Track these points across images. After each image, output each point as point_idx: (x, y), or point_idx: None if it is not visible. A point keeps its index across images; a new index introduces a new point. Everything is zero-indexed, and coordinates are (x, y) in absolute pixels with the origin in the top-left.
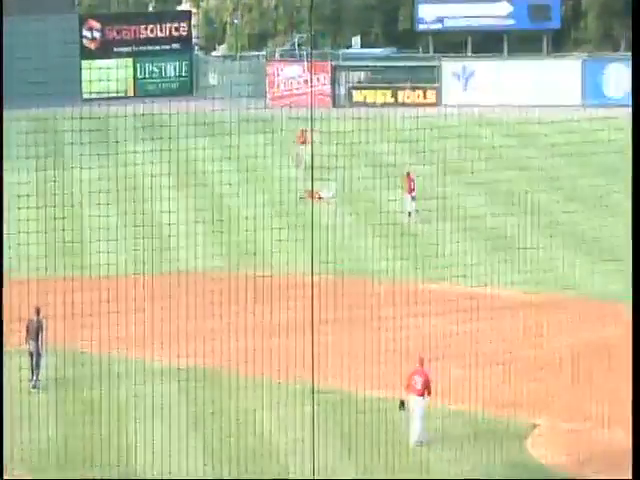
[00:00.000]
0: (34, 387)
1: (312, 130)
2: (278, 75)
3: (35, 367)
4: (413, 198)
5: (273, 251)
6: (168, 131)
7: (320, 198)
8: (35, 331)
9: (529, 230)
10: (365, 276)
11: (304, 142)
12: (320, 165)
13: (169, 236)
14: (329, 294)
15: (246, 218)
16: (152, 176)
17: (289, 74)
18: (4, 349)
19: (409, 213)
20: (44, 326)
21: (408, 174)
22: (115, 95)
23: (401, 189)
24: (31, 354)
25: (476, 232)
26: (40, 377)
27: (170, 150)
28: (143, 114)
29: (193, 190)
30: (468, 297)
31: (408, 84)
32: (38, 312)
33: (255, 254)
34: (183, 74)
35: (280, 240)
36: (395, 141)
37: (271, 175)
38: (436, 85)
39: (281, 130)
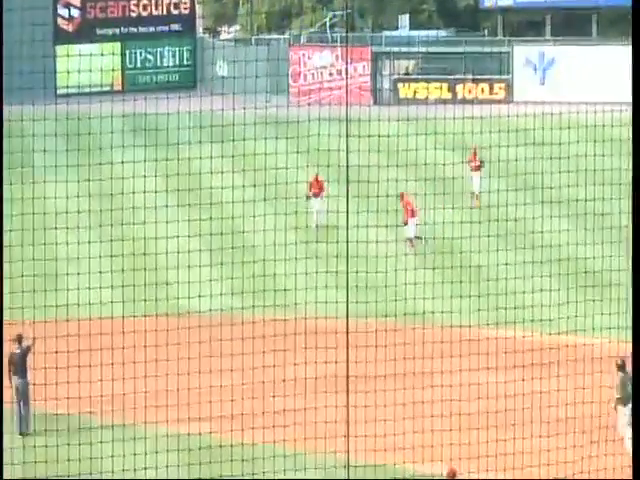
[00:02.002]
0: (22, 433)
1: (347, 136)
2: (304, 64)
3: (23, 405)
4: (407, 223)
5: (297, 289)
6: (165, 136)
7: None
8: (20, 363)
9: (622, 263)
10: (412, 320)
11: (319, 193)
12: (357, 179)
13: (166, 269)
14: (368, 342)
15: (264, 246)
16: (145, 193)
17: (318, 63)
18: None
19: (409, 240)
20: (29, 354)
21: (402, 195)
22: (98, 90)
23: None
24: (17, 390)
25: (556, 265)
26: (30, 417)
27: (168, 160)
28: (134, 114)
29: (197, 211)
30: (546, 347)
31: (470, 76)
32: (20, 340)
33: (275, 292)
34: (184, 63)
35: (306, 274)
36: (452, 148)
37: (295, 192)
38: (506, 77)
39: (308, 136)
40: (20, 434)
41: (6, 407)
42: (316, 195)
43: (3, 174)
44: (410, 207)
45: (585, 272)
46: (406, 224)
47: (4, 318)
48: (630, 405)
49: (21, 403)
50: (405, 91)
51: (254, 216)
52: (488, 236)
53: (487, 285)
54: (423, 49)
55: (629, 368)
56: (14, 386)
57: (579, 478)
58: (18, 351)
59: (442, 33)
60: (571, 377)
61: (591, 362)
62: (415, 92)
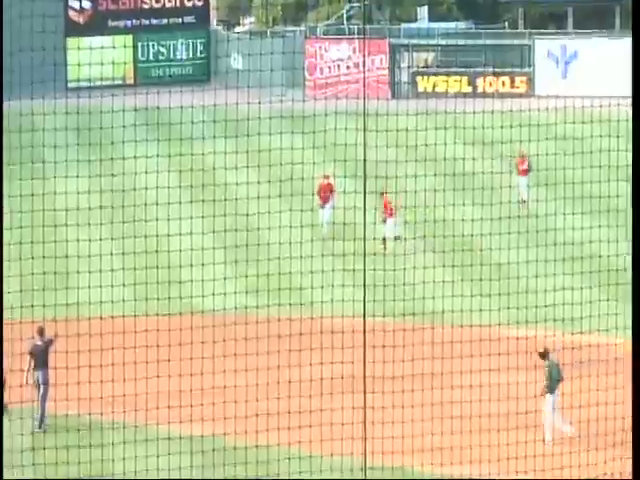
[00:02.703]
0: (40, 427)
1: (365, 130)
2: (321, 57)
3: (42, 401)
4: (385, 221)
5: (313, 287)
6: (179, 130)
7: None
8: (42, 356)
9: None
10: (430, 319)
11: (328, 199)
12: (375, 174)
13: (179, 267)
14: (386, 342)
15: (279, 244)
16: (157, 189)
17: (335, 56)
18: None
19: (383, 240)
20: (52, 348)
21: (382, 194)
22: (110, 83)
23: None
24: (38, 386)
25: (579, 262)
26: (47, 414)
27: (181, 155)
28: (147, 108)
29: (211, 207)
30: (568, 347)
31: (490, 69)
32: (41, 332)
33: (290, 290)
34: (198, 56)
35: (322, 272)
36: (472, 143)
37: (311, 188)
38: (527, 70)
39: (324, 130)
40: (39, 427)
41: (25, 405)
42: (324, 202)
43: (3, 173)
44: (390, 206)
45: (608, 270)
46: (384, 222)
47: (16, 316)
48: (556, 393)
49: (42, 398)
50: (424, 84)
51: (269, 213)
52: (509, 233)
53: (507, 283)
54: (442, 41)
55: (552, 355)
56: (35, 379)
57: (580, 478)
58: (40, 343)
59: (461, 25)
60: (593, 378)
61: (614, 362)
62: (434, 85)
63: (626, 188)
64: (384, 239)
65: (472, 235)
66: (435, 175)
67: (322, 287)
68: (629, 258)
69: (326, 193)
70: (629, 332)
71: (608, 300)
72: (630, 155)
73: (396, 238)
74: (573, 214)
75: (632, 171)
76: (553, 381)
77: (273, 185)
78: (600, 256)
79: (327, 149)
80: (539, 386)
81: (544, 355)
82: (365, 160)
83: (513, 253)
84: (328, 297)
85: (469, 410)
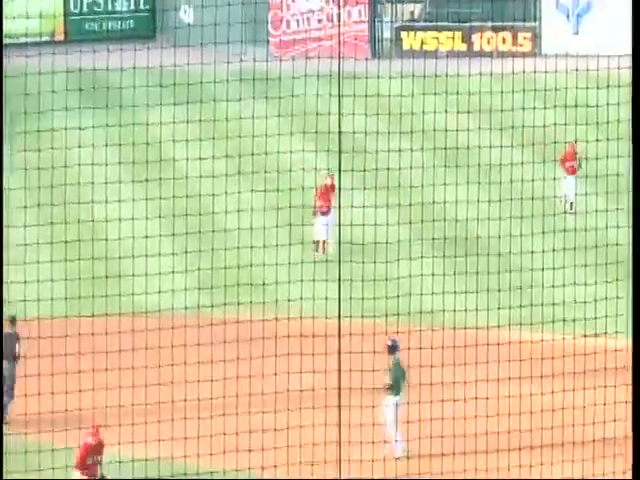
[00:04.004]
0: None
1: (340, 96)
2: (288, 8)
3: (7, 395)
4: (315, 218)
5: (279, 282)
6: (119, 96)
7: None
8: (11, 348)
9: None
10: (418, 320)
11: (328, 210)
12: (352, 149)
13: (119, 258)
14: (364, 348)
15: (238, 230)
16: (93, 166)
17: (305, 7)
18: None
19: (318, 243)
20: (20, 342)
21: (326, 185)
22: (36, 40)
23: (466, 184)
24: (2, 379)
25: (592, 253)
26: (9, 411)
27: (121, 126)
28: (80, 70)
29: (157, 188)
30: (581, 352)
31: (489, 23)
32: (14, 322)
33: (252, 286)
34: (141, 8)
35: (290, 264)
36: (467, 111)
37: (277, 164)
38: (532, 25)
39: (292, 96)
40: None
41: None
42: (325, 212)
43: (3, 168)
44: (328, 201)
45: (627, 261)
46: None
47: None
48: (400, 396)
49: (5, 390)
50: (410, 42)
51: (226, 194)
52: (510, 217)
53: (509, 278)
54: None
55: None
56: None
57: (580, 478)
58: (10, 334)
59: None
60: (610, 388)
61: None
62: (422, 43)
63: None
64: (318, 243)
65: (467, 220)
66: (423, 150)
67: (289, 282)
68: None
69: (328, 199)
70: None
71: (628, 296)
72: None
73: (324, 243)
74: (586, 195)
75: (632, 172)
76: (398, 381)
77: (231, 161)
78: (618, 245)
79: (295, 118)
80: (547, 398)
81: (392, 349)
82: (340, 132)
83: (516, 241)
84: (297, 294)
85: (463, 427)
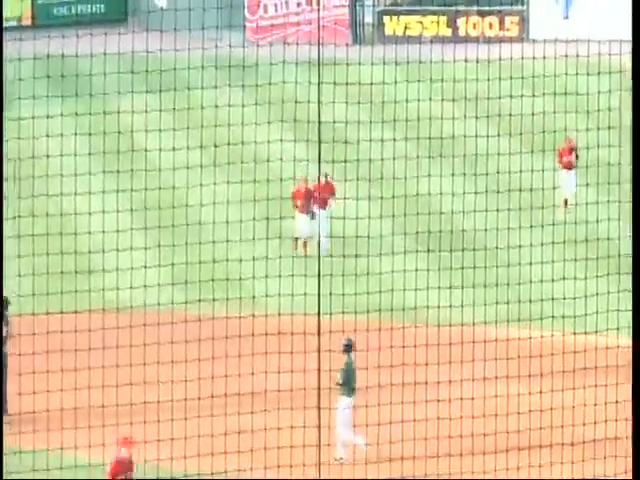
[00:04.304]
0: None
1: (320, 83)
2: None
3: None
4: (312, 215)
5: (256, 277)
6: (88, 84)
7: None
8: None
9: None
10: (401, 317)
11: (326, 202)
12: (332, 138)
13: (88, 253)
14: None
15: (213, 223)
16: (62, 156)
17: None
18: None
19: (303, 242)
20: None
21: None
22: (2, 25)
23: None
24: (2, 378)
25: (583, 246)
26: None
27: (91, 115)
28: (48, 56)
29: (129, 179)
30: (570, 350)
31: (474, 7)
32: (6, 304)
33: (227, 282)
34: None
35: (267, 259)
36: (453, 99)
37: (254, 155)
38: (520, 8)
39: (270, 83)
40: None
41: None
42: (305, 212)
43: (3, 167)
44: (319, 195)
45: (619, 256)
46: (309, 215)
47: None
48: (353, 398)
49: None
50: (393, 26)
51: (201, 186)
52: (497, 210)
53: (496, 273)
54: None
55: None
56: None
57: (581, 478)
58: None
59: None
60: (601, 387)
61: (628, 369)
62: (405, 28)
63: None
64: (296, 239)
65: (452, 213)
66: (407, 140)
67: (267, 278)
68: None
69: (323, 195)
70: None
71: (619, 292)
72: None
73: (306, 240)
74: (577, 185)
75: (632, 172)
76: (352, 381)
77: (206, 152)
78: (610, 239)
79: (273, 107)
80: (535, 398)
81: (347, 348)
82: (320, 121)
83: (503, 235)
84: (275, 290)
85: (448, 428)
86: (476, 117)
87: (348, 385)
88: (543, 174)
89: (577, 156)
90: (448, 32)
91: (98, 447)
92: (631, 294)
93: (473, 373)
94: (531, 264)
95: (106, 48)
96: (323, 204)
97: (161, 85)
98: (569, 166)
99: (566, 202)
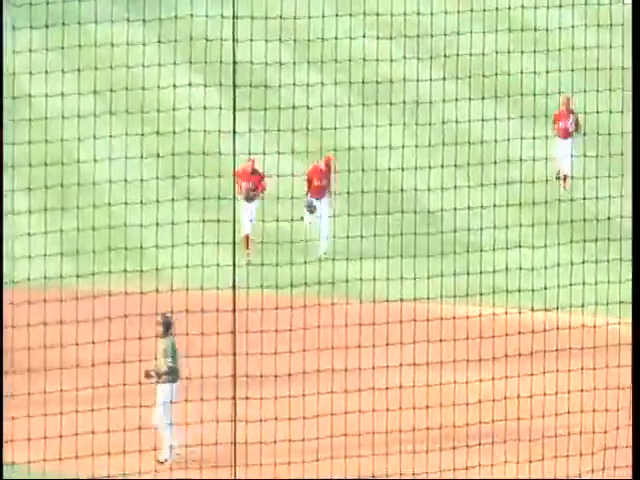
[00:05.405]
0: None
1: (235, 17)
2: None
3: None
4: (311, 209)
5: (161, 247)
6: None
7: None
8: None
9: None
10: (329, 291)
11: (323, 189)
12: (250, 82)
13: None
14: (266, 325)
15: (109, 183)
16: None
17: None
18: None
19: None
20: None
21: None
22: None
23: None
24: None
25: (542, 208)
26: None
27: None
28: None
29: (10, 131)
30: (528, 329)
31: None
32: None
33: (126, 251)
34: None
35: (174, 224)
36: (390, 36)
37: (157, 101)
38: None
39: (176, 17)
40: None
41: None
42: (250, 198)
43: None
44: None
45: (584, 220)
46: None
47: None
48: (175, 385)
49: None
50: None
51: (95, 138)
52: (442, 166)
53: (440, 239)
54: None
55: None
56: None
57: (578, 478)
58: None
59: None
60: (563, 373)
61: (605, 351)
62: None
63: (609, 103)
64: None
65: (390, 170)
66: (336, 84)
67: (173, 247)
68: (613, 202)
69: (321, 181)
70: (618, 309)
71: (584, 262)
72: (617, 55)
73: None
74: (534, 139)
75: (632, 171)
76: (176, 366)
77: (100, 98)
78: (573, 200)
79: (180, 45)
80: (496, 385)
81: (166, 327)
82: (235, 62)
83: (449, 195)
84: (182, 261)
85: (385, 421)
86: (417, 57)
87: (172, 369)
88: (496, 124)
89: (577, 122)
90: None
91: None
92: (630, 284)
93: (414, 357)
94: (481, 229)
95: None
96: (321, 192)
97: (47, 20)
98: (565, 134)
99: (565, 178)
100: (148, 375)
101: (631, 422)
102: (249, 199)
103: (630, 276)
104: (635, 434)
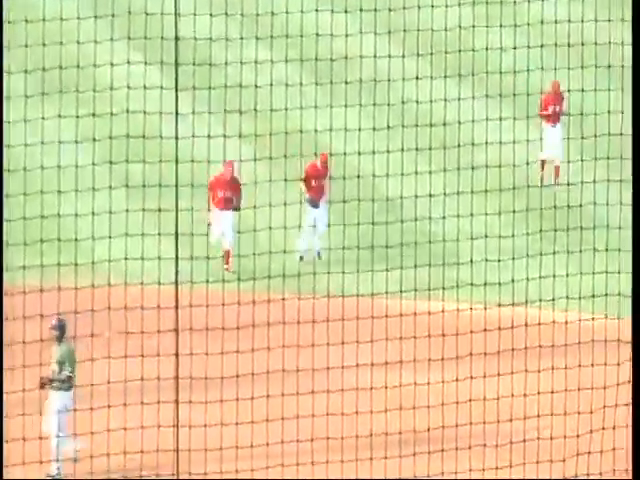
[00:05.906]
0: None
1: None
2: None
3: None
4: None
5: (97, 238)
6: None
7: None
8: None
9: (619, 192)
10: (280, 286)
11: (322, 190)
12: (194, 60)
13: None
14: (212, 322)
15: (42, 168)
16: None
17: None
18: None
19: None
20: None
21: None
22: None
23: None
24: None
25: (509, 195)
26: None
27: None
28: None
29: None
30: (506, 325)
31: None
32: None
33: (59, 242)
34: None
35: (111, 213)
36: (345, 10)
37: (92, 80)
38: None
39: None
40: None
41: None
42: (317, 196)
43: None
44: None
45: (555, 207)
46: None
47: None
48: (69, 393)
49: None
50: None
51: (26, 121)
52: (402, 150)
53: (400, 229)
54: None
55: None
56: None
57: (575, 478)
58: None
59: None
60: (533, 374)
61: (578, 349)
62: None
63: (582, 78)
64: (224, 255)
65: (345, 154)
66: (287, 61)
67: (110, 238)
68: (587, 188)
69: (319, 182)
70: (591, 304)
71: (555, 253)
72: (602, 30)
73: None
74: (501, 120)
75: (632, 171)
76: (74, 374)
77: (32, 77)
78: (543, 187)
79: (118, 20)
80: (461, 386)
81: (61, 331)
82: (177, 38)
83: (409, 181)
84: (120, 253)
85: (340, 426)
86: (375, 32)
87: (69, 378)
88: (459, 104)
89: (561, 112)
90: None
91: None
92: (628, 277)
93: (372, 356)
94: (444, 218)
95: None
96: (320, 194)
97: None
98: (552, 120)
99: (556, 168)
100: (43, 385)
101: (631, 422)
102: (231, 209)
103: (604, 268)
104: (635, 434)
